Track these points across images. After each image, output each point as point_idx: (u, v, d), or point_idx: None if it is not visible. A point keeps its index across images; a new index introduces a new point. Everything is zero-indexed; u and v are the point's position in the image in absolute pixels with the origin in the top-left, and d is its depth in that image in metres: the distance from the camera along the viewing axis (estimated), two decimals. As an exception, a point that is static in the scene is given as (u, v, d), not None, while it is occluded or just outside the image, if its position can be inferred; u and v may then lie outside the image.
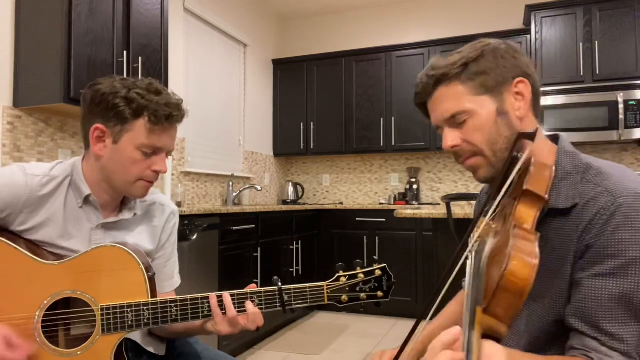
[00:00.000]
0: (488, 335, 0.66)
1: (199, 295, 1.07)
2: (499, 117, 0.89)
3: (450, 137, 0.92)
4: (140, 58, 2.63)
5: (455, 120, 0.91)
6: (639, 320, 0.75)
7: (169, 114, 1.09)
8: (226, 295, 1.06)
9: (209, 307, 1.06)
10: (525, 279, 0.64)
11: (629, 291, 0.74)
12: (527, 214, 0.74)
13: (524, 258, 0.65)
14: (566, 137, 0.94)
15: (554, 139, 0.94)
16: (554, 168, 0.81)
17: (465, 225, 2.41)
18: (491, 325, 0.66)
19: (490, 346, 0.62)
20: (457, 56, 0.91)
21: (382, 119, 4.63)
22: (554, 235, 0.84)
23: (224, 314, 1.06)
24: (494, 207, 0.81)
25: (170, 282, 1.30)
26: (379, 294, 1.09)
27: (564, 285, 0.82)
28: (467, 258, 0.80)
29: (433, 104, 0.95)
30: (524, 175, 0.79)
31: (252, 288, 1.09)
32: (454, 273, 0.78)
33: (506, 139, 0.88)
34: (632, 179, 0.81)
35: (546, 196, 0.75)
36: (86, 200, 1.14)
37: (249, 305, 1.06)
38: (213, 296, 1.06)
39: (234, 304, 1.06)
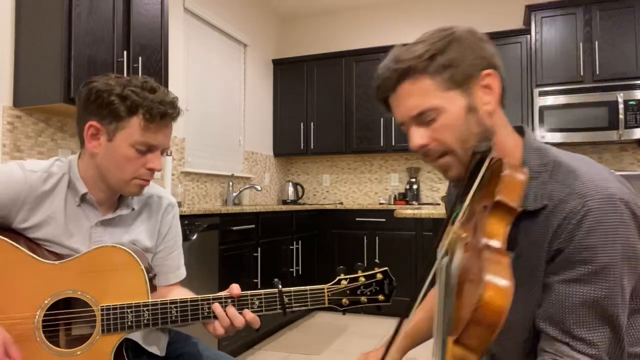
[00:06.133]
0: None
1: (199, 296, 1.07)
2: (468, 114, 0.83)
3: (418, 136, 0.86)
4: (140, 58, 2.63)
5: (423, 118, 0.84)
6: (609, 324, 0.74)
7: (163, 112, 1.09)
8: (230, 309, 1.05)
9: (209, 308, 1.06)
10: (500, 311, 0.60)
11: (600, 297, 0.73)
12: (498, 229, 0.70)
13: (498, 288, 0.61)
14: (530, 131, 0.89)
15: (519, 131, 0.89)
16: (527, 171, 0.77)
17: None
18: (463, 356, 0.63)
19: None
20: (422, 46, 0.84)
21: (382, 119, 4.63)
22: (523, 237, 0.81)
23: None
24: (462, 211, 0.77)
25: (175, 273, 1.30)
26: (380, 297, 1.08)
27: (538, 288, 0.80)
28: (435, 272, 0.76)
29: (397, 99, 0.87)
30: (494, 177, 0.75)
31: (233, 289, 1.07)
32: (426, 284, 0.75)
33: (476, 136, 0.83)
34: (602, 176, 0.78)
35: (519, 208, 0.71)
36: (83, 198, 1.14)
37: (248, 314, 1.06)
38: (217, 305, 1.05)
39: (235, 307, 1.06)
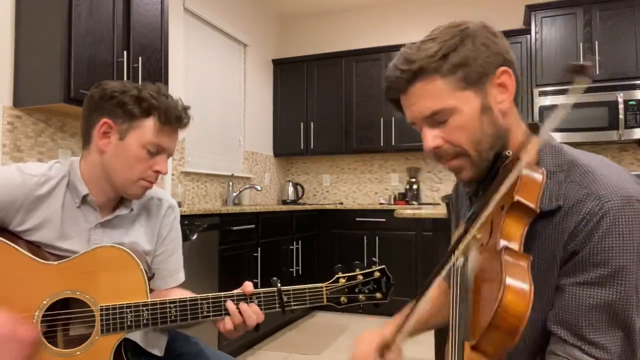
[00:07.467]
0: None
1: (199, 296, 1.07)
2: (483, 114, 0.81)
3: (431, 137, 0.84)
4: (140, 58, 2.63)
5: (436, 119, 0.83)
6: (621, 328, 0.73)
7: (179, 115, 1.14)
8: (243, 306, 1.06)
9: (208, 307, 1.06)
10: (520, 316, 0.58)
11: (613, 300, 0.72)
12: (516, 230, 0.68)
13: (518, 291, 0.58)
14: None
15: (534, 128, 0.87)
16: (544, 171, 0.76)
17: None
18: None
19: None
20: (433, 45, 0.81)
21: (382, 119, 4.63)
22: (538, 238, 0.79)
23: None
24: (482, 219, 0.73)
25: (174, 277, 1.30)
26: (378, 295, 1.09)
27: (550, 290, 0.78)
28: (450, 272, 0.74)
29: (408, 99, 0.86)
30: (512, 178, 0.73)
31: (248, 286, 1.08)
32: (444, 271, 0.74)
33: (490, 137, 0.82)
34: (620, 177, 0.77)
35: (538, 208, 0.69)
36: (84, 200, 1.14)
37: (255, 308, 1.07)
38: (230, 303, 1.06)
39: (237, 304, 1.06)
